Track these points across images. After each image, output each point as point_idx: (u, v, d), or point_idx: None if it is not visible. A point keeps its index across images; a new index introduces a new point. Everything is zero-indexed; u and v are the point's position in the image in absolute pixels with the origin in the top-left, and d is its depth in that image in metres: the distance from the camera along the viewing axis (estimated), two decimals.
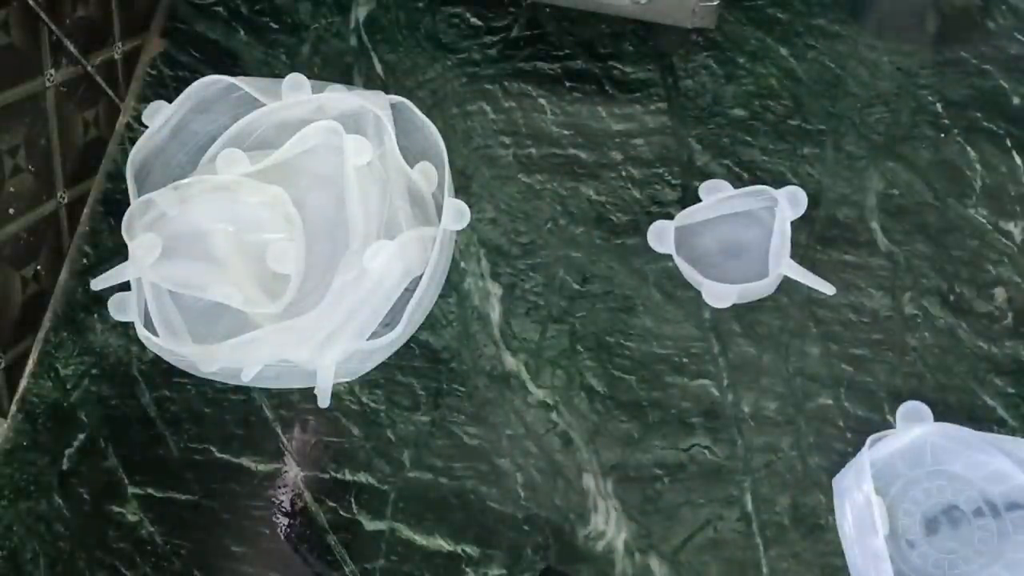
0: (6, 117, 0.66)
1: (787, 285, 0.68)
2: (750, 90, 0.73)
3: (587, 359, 0.68)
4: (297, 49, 0.78)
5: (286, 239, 0.70)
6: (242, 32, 0.80)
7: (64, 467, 0.70)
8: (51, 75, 0.70)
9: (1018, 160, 0.69)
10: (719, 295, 0.66)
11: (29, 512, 0.69)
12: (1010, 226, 0.68)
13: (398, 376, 0.69)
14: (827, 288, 0.66)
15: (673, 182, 0.71)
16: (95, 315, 0.73)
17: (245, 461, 0.69)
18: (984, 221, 0.68)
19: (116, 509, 0.69)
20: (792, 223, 0.67)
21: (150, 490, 0.69)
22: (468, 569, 0.65)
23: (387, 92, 0.73)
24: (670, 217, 0.69)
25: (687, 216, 0.69)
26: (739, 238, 0.69)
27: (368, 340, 0.67)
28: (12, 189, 0.68)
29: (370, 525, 0.67)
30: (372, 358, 0.68)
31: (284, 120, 0.71)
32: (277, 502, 0.68)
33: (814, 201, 0.69)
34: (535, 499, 0.66)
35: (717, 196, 0.69)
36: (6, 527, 0.69)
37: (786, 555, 0.63)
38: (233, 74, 0.72)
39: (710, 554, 0.63)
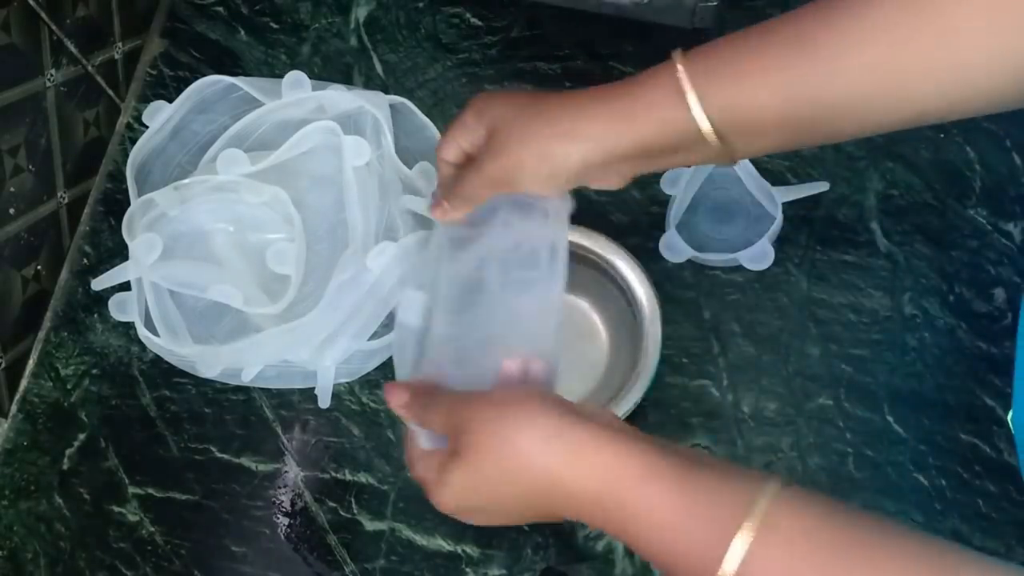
0: (6, 117, 0.66)
1: (787, 286, 0.68)
2: None
3: None
4: (297, 49, 0.78)
5: (286, 239, 0.70)
6: (242, 32, 0.80)
7: (64, 467, 0.70)
8: (51, 75, 0.70)
9: (1018, 160, 0.69)
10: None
11: (29, 512, 0.69)
12: (1010, 226, 0.67)
13: None
14: (822, 186, 0.67)
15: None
16: (95, 315, 0.73)
17: (245, 461, 0.69)
18: (984, 221, 0.68)
19: (116, 509, 0.69)
20: (792, 223, 0.67)
21: (150, 490, 0.69)
22: (468, 569, 0.65)
23: (387, 92, 0.73)
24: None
25: (675, 212, 0.69)
26: (724, 201, 0.70)
27: (368, 340, 0.67)
28: (12, 189, 0.68)
29: (370, 525, 0.67)
30: (372, 358, 0.68)
31: (284, 120, 0.71)
32: (277, 502, 0.68)
33: (814, 201, 0.69)
34: None
35: None
36: (6, 527, 0.69)
37: None
38: (233, 74, 0.72)
39: None
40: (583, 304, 0.68)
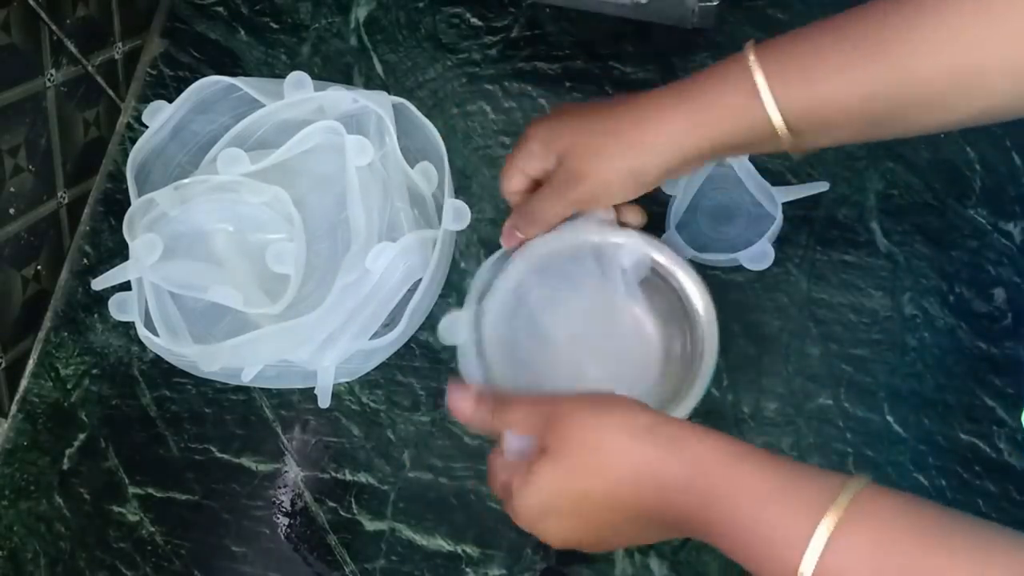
0: (6, 117, 0.66)
1: (787, 286, 0.68)
2: None
3: None
4: (297, 49, 0.78)
5: (286, 239, 0.70)
6: (242, 32, 0.80)
7: (64, 467, 0.70)
8: (51, 75, 0.70)
9: (1018, 160, 0.69)
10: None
11: (29, 512, 0.69)
12: (1010, 226, 0.67)
13: (398, 376, 0.69)
14: (822, 186, 0.67)
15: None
16: (95, 315, 0.73)
17: (245, 461, 0.69)
18: (984, 221, 0.68)
19: (116, 509, 0.69)
20: (792, 223, 0.67)
21: (150, 490, 0.69)
22: (468, 569, 0.65)
23: (387, 92, 0.73)
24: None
25: (675, 212, 0.68)
26: (724, 201, 0.69)
27: (368, 340, 0.67)
28: (12, 189, 0.68)
29: (370, 525, 0.67)
30: (372, 358, 0.68)
31: (286, 121, 0.71)
32: (277, 502, 0.68)
33: (814, 201, 0.69)
34: None
35: None
36: (6, 527, 0.69)
37: None
38: (233, 74, 0.72)
39: (710, 554, 0.63)
40: (636, 309, 0.65)
